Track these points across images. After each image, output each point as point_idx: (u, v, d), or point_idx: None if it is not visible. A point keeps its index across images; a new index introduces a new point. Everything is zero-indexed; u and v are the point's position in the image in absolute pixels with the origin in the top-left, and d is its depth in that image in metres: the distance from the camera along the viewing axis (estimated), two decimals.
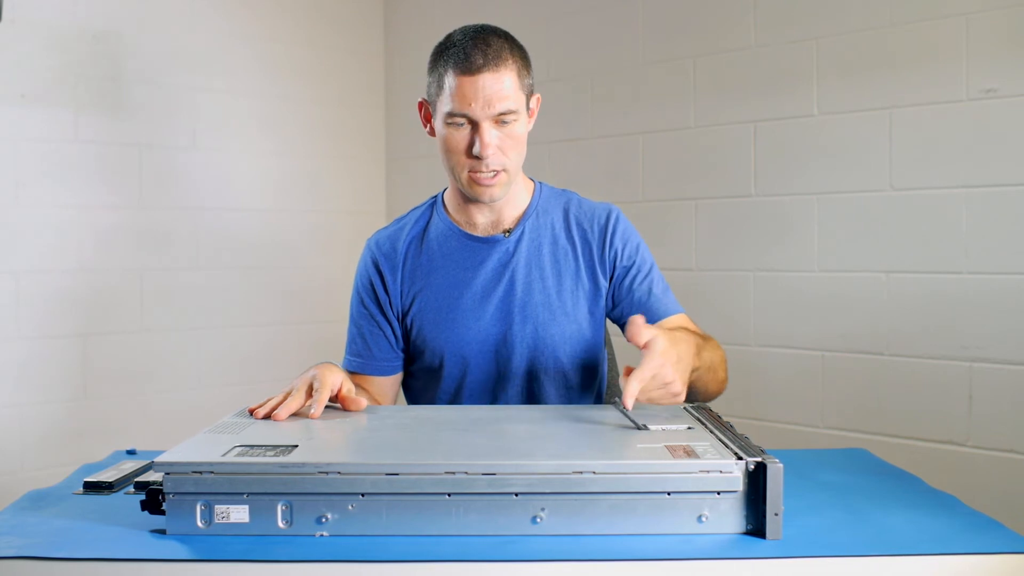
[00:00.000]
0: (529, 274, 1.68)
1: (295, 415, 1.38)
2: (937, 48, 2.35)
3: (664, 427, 1.28)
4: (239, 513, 1.08)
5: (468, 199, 1.68)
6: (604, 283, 1.70)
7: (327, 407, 1.42)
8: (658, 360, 1.33)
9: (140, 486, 1.29)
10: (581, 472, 1.09)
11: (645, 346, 1.35)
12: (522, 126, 1.60)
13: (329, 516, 1.08)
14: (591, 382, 1.73)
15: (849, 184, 2.51)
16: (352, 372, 1.74)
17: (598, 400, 1.78)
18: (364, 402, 1.45)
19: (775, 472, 1.07)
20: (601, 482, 1.09)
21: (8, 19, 2.79)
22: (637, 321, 1.36)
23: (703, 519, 1.09)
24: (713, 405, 1.51)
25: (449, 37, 1.61)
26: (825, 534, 1.11)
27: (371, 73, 3.72)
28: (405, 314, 1.72)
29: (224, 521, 1.09)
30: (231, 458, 1.11)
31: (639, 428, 1.28)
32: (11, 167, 2.83)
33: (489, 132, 1.56)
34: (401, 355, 1.75)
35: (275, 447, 1.16)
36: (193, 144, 3.22)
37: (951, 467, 2.33)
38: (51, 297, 2.91)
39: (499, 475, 1.08)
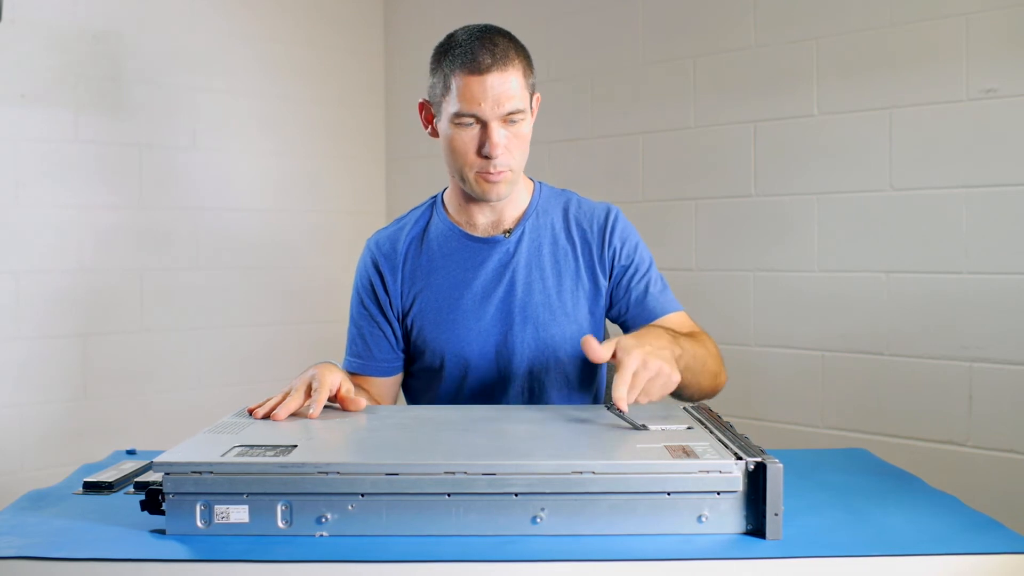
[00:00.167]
0: (529, 274, 1.68)
1: (294, 415, 1.38)
2: (937, 48, 2.35)
3: (664, 427, 1.28)
4: (239, 513, 1.08)
5: (470, 199, 1.68)
6: (604, 282, 1.70)
7: (326, 407, 1.42)
8: (633, 357, 1.32)
9: (140, 486, 1.29)
10: (581, 472, 1.09)
11: (613, 356, 1.34)
12: (528, 125, 1.61)
13: (329, 516, 1.08)
14: (591, 382, 1.73)
15: (849, 184, 2.51)
16: (352, 373, 1.74)
17: (598, 400, 1.78)
18: (363, 402, 1.45)
19: (775, 472, 1.07)
20: (601, 482, 1.09)
21: (8, 19, 2.79)
22: (588, 341, 1.35)
23: (703, 519, 1.09)
24: (713, 405, 1.51)
25: (452, 37, 1.60)
26: (825, 534, 1.11)
27: (371, 73, 3.72)
28: (405, 314, 1.72)
29: (224, 521, 1.09)
30: (231, 458, 1.11)
31: (638, 428, 1.28)
32: (11, 167, 2.83)
33: (498, 132, 1.56)
34: (401, 356, 1.75)
35: (275, 447, 1.16)
36: (193, 144, 3.22)
37: (951, 467, 2.33)
38: (51, 297, 2.91)
39: (499, 475, 1.08)
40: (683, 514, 1.09)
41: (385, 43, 3.75)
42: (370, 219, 3.62)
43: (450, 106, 1.57)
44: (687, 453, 1.13)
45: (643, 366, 1.32)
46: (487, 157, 1.56)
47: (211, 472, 1.08)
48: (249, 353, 3.33)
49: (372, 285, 1.73)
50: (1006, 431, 2.26)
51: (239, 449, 1.14)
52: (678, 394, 1.56)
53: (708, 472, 1.09)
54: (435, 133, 1.66)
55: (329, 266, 3.55)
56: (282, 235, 3.45)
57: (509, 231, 1.70)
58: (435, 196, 1.78)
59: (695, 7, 2.83)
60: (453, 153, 1.60)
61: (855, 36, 2.50)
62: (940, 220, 2.36)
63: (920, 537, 1.10)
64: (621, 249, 1.70)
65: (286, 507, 1.08)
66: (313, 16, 3.54)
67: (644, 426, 1.28)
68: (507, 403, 1.68)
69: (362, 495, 1.08)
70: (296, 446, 1.16)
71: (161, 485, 1.09)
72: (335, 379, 1.42)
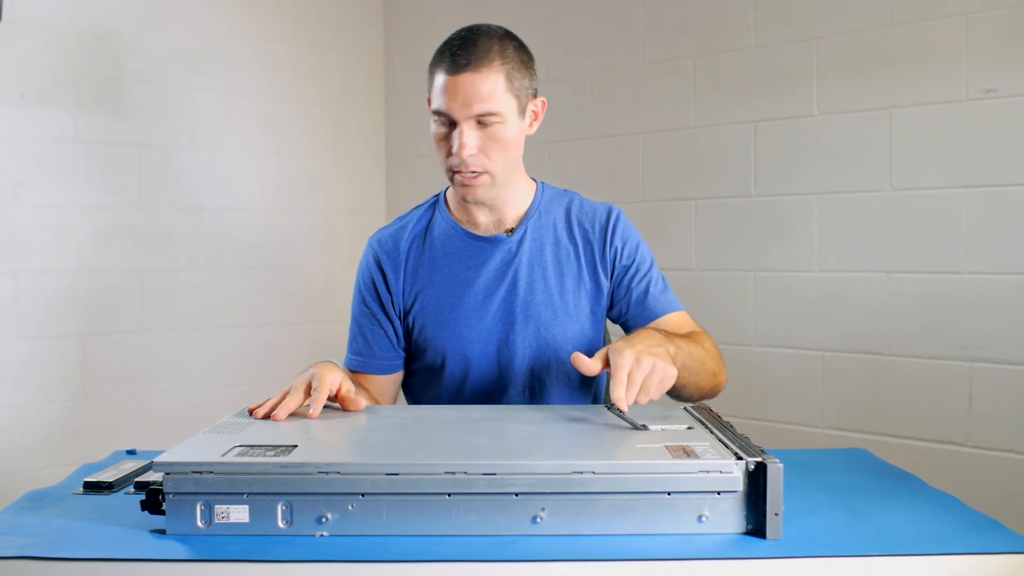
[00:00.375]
0: (531, 274, 1.68)
1: (294, 415, 1.38)
2: (937, 48, 2.35)
3: (664, 427, 1.28)
4: (239, 513, 1.08)
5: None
6: (605, 282, 1.70)
7: (326, 407, 1.42)
8: (625, 357, 1.32)
9: (140, 486, 1.29)
10: (581, 472, 1.09)
11: (606, 364, 1.35)
12: (509, 129, 1.58)
13: (329, 516, 1.08)
14: (592, 382, 1.73)
15: (849, 184, 2.51)
16: (353, 371, 1.74)
17: (599, 400, 1.78)
18: (363, 402, 1.45)
19: (775, 472, 1.07)
20: (601, 482, 1.09)
21: (8, 19, 2.79)
22: (577, 359, 1.36)
23: (703, 519, 1.09)
24: (713, 405, 1.51)
25: (448, 36, 1.62)
26: (825, 534, 1.11)
27: (371, 73, 3.72)
28: (407, 313, 1.72)
29: (224, 521, 1.09)
30: (231, 458, 1.11)
31: (638, 428, 1.28)
32: (11, 167, 2.83)
33: (468, 133, 1.56)
34: (402, 354, 1.75)
35: (275, 447, 1.16)
36: (193, 144, 3.22)
37: (951, 467, 2.33)
38: (51, 297, 2.91)
39: (499, 475, 1.08)
40: (683, 514, 1.09)
41: (385, 43, 3.75)
42: (370, 219, 3.62)
43: (431, 103, 1.60)
44: (687, 453, 1.13)
45: (636, 364, 1.32)
46: (456, 156, 1.58)
47: (211, 472, 1.08)
48: (249, 353, 3.33)
49: (374, 283, 1.73)
50: (1006, 431, 2.26)
51: (239, 449, 1.14)
52: (677, 395, 1.56)
53: (708, 472, 1.09)
54: None
55: (329, 266, 3.55)
56: (282, 235, 3.45)
57: (511, 230, 1.70)
58: (438, 195, 1.78)
59: (695, 7, 2.83)
60: (436, 150, 1.62)
61: (855, 36, 2.50)
62: (940, 220, 2.36)
63: (920, 537, 1.11)
64: (622, 249, 1.70)
65: (286, 507, 1.08)
66: (313, 16, 3.54)
67: (644, 426, 1.28)
68: (508, 402, 1.68)
69: (362, 495, 1.08)
70: (296, 446, 1.16)
71: (161, 485, 1.09)
72: (335, 378, 1.42)
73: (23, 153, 2.85)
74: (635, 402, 1.32)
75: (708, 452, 1.13)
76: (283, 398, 1.39)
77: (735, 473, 1.09)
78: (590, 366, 1.35)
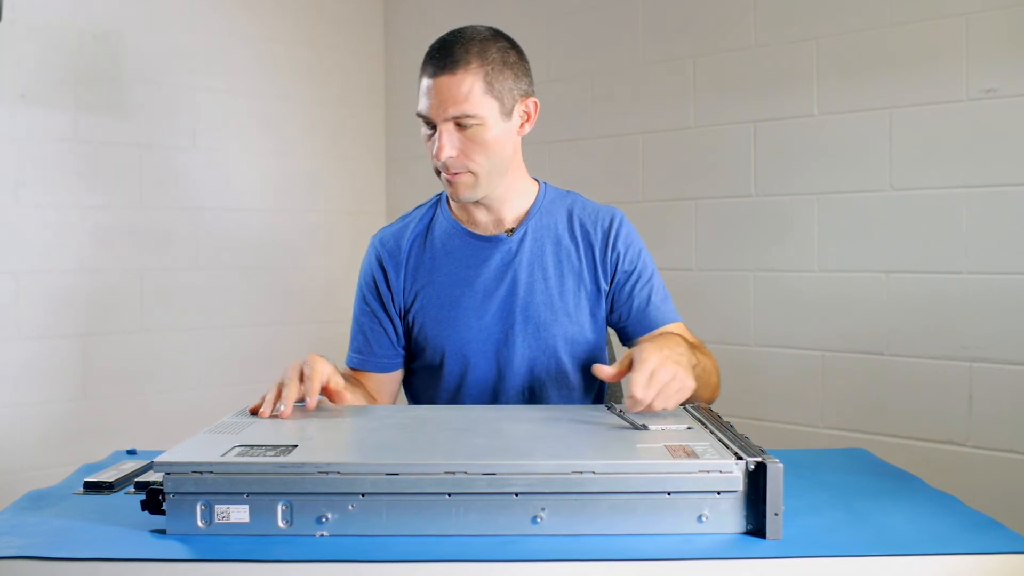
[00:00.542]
0: (532, 274, 1.68)
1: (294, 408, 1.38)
2: (937, 48, 2.35)
3: (664, 427, 1.27)
4: (239, 513, 1.08)
5: None
6: (605, 286, 1.70)
7: (321, 405, 1.43)
8: (652, 356, 1.32)
9: (140, 486, 1.29)
10: (581, 472, 1.09)
11: (630, 366, 1.34)
12: (490, 131, 1.58)
13: (329, 516, 1.08)
14: (592, 384, 1.73)
15: (849, 184, 2.51)
16: (353, 368, 1.76)
17: (598, 401, 1.78)
18: (348, 397, 1.47)
19: (775, 472, 1.07)
20: (601, 482, 1.09)
21: (8, 19, 2.79)
22: (599, 369, 1.38)
23: (703, 519, 1.09)
24: (713, 405, 1.51)
25: None
26: (825, 534, 1.11)
27: (371, 73, 3.72)
28: (407, 311, 1.72)
29: (224, 521, 1.09)
30: (231, 458, 1.11)
31: (638, 428, 1.28)
32: (11, 167, 2.83)
33: (446, 135, 1.57)
34: (402, 352, 1.75)
35: (275, 447, 1.16)
36: (193, 144, 3.22)
37: (951, 467, 2.33)
38: (51, 297, 2.91)
39: (499, 475, 1.08)
40: (683, 514, 1.09)
41: (385, 43, 3.75)
42: (370, 219, 3.62)
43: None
44: (687, 453, 1.13)
45: (661, 366, 1.32)
46: (436, 158, 1.60)
47: (211, 472, 1.08)
48: (249, 353, 3.33)
49: (375, 281, 1.74)
50: (1006, 431, 2.26)
51: (239, 449, 1.14)
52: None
53: (708, 472, 1.09)
54: None
55: (329, 266, 3.55)
56: (282, 235, 3.45)
57: (511, 230, 1.70)
58: (440, 194, 1.78)
59: (695, 7, 2.83)
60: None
61: (855, 36, 2.50)
62: (940, 220, 2.36)
63: (920, 537, 1.10)
64: (624, 255, 1.70)
65: (286, 507, 1.08)
66: (313, 16, 3.54)
67: (644, 426, 1.28)
68: (507, 402, 1.68)
69: (362, 495, 1.08)
70: (296, 446, 1.16)
71: (161, 485, 1.09)
72: (325, 369, 1.44)
73: (23, 153, 2.85)
74: (650, 407, 1.31)
75: (708, 452, 1.13)
76: (279, 392, 1.39)
77: (735, 473, 1.09)
78: (609, 372, 1.37)
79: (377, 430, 1.32)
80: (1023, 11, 2.23)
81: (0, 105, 2.80)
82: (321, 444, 1.23)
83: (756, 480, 1.09)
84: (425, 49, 1.63)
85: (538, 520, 1.09)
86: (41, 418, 2.90)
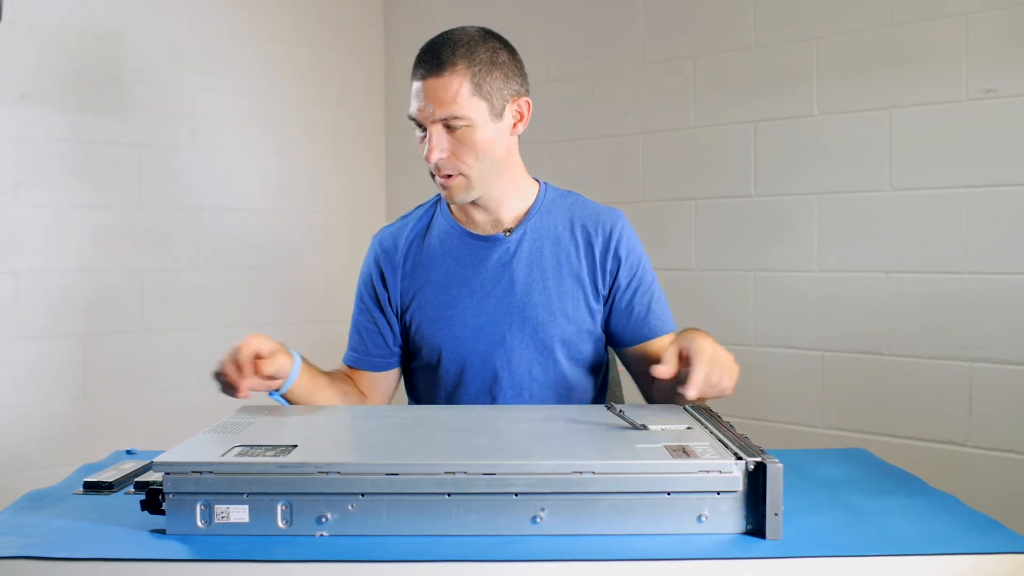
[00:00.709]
0: (530, 275, 1.68)
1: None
2: (937, 48, 2.35)
3: (663, 427, 1.28)
4: (239, 513, 1.08)
5: None
6: (603, 289, 1.70)
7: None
8: (707, 350, 1.37)
9: (140, 486, 1.29)
10: (581, 472, 1.09)
11: (679, 360, 1.38)
12: (480, 132, 1.58)
13: (329, 516, 1.08)
14: (591, 384, 1.73)
15: (849, 184, 2.51)
16: (349, 366, 1.77)
17: (597, 401, 1.78)
18: (268, 368, 1.50)
19: (775, 472, 1.07)
20: (601, 482, 1.08)
21: (8, 19, 2.79)
22: (656, 369, 1.38)
23: (703, 519, 1.09)
24: (713, 405, 1.51)
25: None
26: (825, 534, 1.11)
27: (371, 73, 3.72)
28: (405, 311, 1.72)
29: (224, 521, 1.09)
30: (231, 458, 1.11)
31: (638, 428, 1.28)
32: (11, 167, 2.83)
33: (435, 137, 1.58)
34: (397, 352, 1.75)
35: (275, 447, 1.16)
36: (193, 144, 3.22)
37: (951, 467, 2.33)
38: (51, 297, 2.91)
39: (499, 475, 1.08)
40: (683, 514, 1.09)
41: (385, 43, 3.75)
42: (370, 219, 3.62)
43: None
44: (687, 453, 1.13)
45: (712, 361, 1.37)
46: (426, 160, 1.60)
47: (211, 472, 1.08)
48: None
49: (372, 280, 1.74)
50: (1006, 431, 2.26)
51: (239, 449, 1.14)
52: (677, 399, 1.55)
53: (708, 472, 1.09)
54: None
55: (329, 266, 3.55)
56: (282, 235, 3.45)
57: (510, 230, 1.70)
58: (439, 193, 1.78)
59: (695, 7, 2.83)
60: None
61: (855, 36, 2.50)
62: (940, 220, 2.36)
63: (920, 537, 1.10)
64: (625, 261, 1.70)
65: (286, 507, 1.08)
66: (313, 16, 3.54)
67: (644, 426, 1.28)
68: (504, 402, 1.68)
69: (362, 495, 1.08)
70: (296, 446, 1.16)
71: (161, 485, 1.09)
72: (255, 343, 1.52)
73: (23, 153, 2.85)
74: (703, 396, 1.36)
75: (708, 452, 1.13)
76: (234, 371, 1.48)
77: (735, 473, 1.09)
78: (669, 371, 1.38)
79: (377, 430, 1.32)
80: (1023, 11, 2.23)
81: (0, 105, 2.80)
82: (321, 444, 1.23)
83: (756, 480, 1.08)
84: None
85: (538, 520, 1.09)
86: (41, 418, 2.89)
